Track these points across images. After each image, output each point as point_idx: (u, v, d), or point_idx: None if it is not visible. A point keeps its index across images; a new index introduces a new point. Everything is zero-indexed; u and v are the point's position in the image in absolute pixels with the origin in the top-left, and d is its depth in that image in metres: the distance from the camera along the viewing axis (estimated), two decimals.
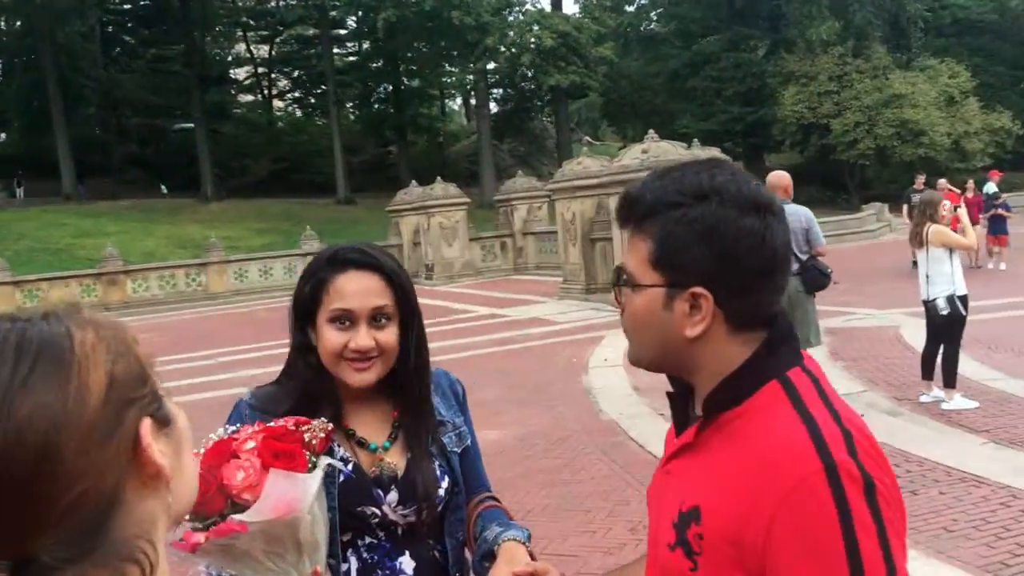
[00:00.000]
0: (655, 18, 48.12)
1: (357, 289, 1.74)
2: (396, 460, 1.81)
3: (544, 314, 16.28)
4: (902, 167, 33.95)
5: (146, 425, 0.76)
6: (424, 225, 24.73)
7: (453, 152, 48.14)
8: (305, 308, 1.80)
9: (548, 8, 39.34)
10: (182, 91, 42.61)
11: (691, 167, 1.28)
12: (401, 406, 1.86)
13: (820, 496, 1.09)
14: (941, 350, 8.05)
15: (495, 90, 44.23)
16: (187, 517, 1.42)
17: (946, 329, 7.98)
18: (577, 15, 40.27)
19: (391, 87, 45.73)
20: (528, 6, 38.50)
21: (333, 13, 42.16)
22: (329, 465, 1.63)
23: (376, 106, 47.41)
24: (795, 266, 7.55)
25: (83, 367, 0.73)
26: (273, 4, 49.20)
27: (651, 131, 16.41)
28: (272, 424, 1.61)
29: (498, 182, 37.74)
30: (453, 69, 43.64)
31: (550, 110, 44.90)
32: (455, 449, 1.92)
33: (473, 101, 48.80)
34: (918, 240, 8.11)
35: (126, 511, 0.74)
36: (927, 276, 7.97)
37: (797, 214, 7.65)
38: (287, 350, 1.89)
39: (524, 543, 1.79)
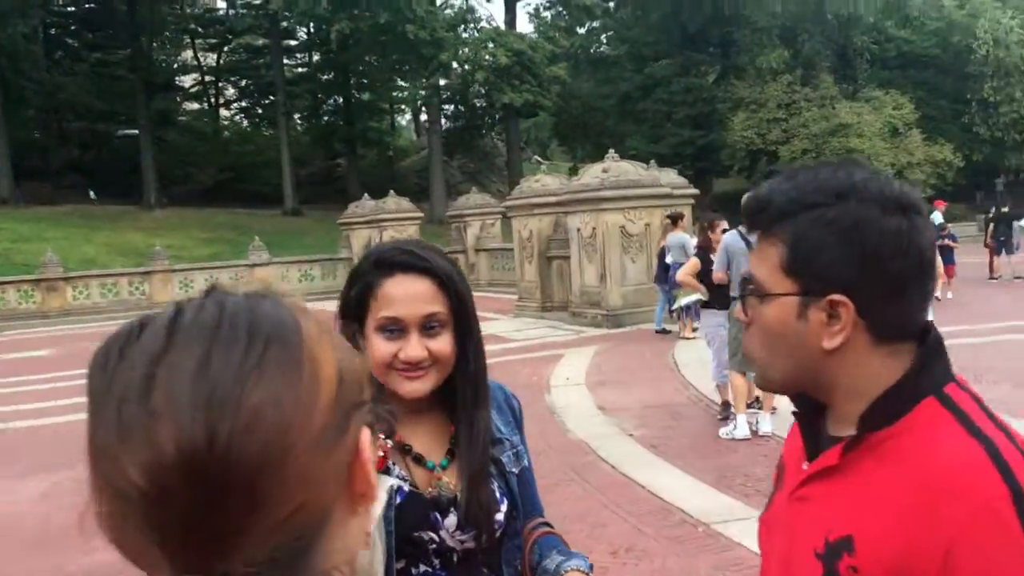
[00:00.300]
0: (605, 41, 48.60)
1: (406, 295, 1.58)
2: (454, 480, 1.64)
3: (500, 331, 16.12)
4: None
5: (366, 436, 0.66)
6: (376, 239, 24.43)
7: (403, 167, 47.89)
8: (352, 314, 1.64)
9: (503, 26, 39.43)
10: (127, 96, 41.72)
11: (824, 167, 1.17)
12: (458, 420, 1.70)
13: (1008, 524, 0.98)
14: None
15: (447, 106, 44.12)
16: None
17: None
18: (531, 34, 40.44)
19: (342, 99, 45.38)
20: (484, 23, 38.60)
21: (284, 24, 41.74)
22: (391, 486, 1.46)
23: (326, 118, 47.00)
24: None
25: (314, 359, 0.62)
26: (222, 12, 48.57)
27: (611, 151, 16.45)
28: None
29: (447, 198, 37.61)
30: (404, 84, 43.50)
31: (501, 128, 44.93)
32: (513, 469, 1.76)
33: (424, 116, 48.65)
34: None
35: (331, 534, 0.64)
36: None
37: None
38: None
39: (587, 574, 1.65)
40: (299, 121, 48.91)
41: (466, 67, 36.78)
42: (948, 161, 34.52)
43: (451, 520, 1.62)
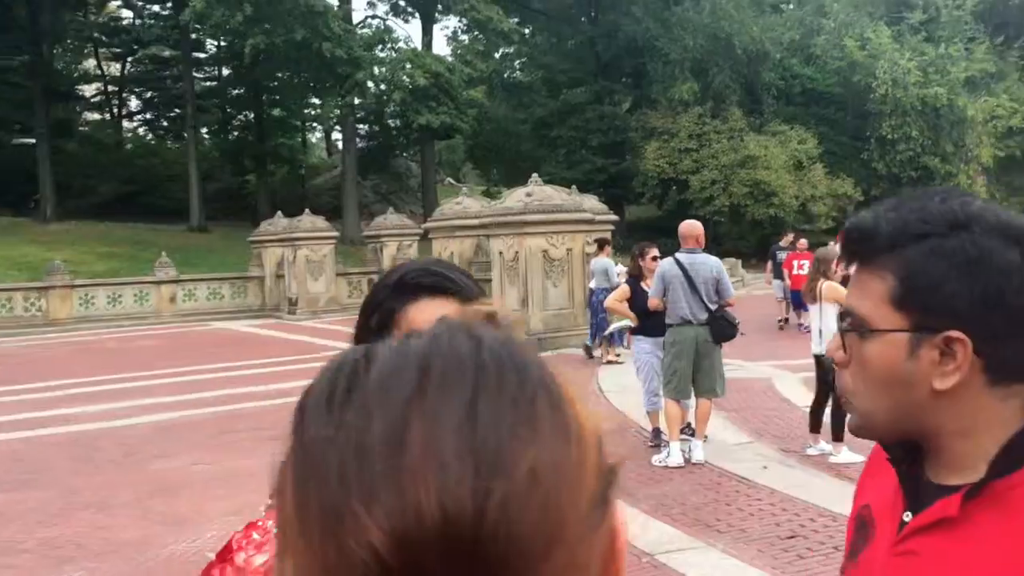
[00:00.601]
0: (519, 67, 49.05)
1: (432, 321, 1.44)
2: None
3: None
4: (752, 225, 35.63)
5: (622, 517, 0.52)
6: (289, 257, 23.92)
7: (314, 185, 47.16)
8: None
9: (420, 48, 39.36)
10: (23, 104, 39.99)
11: (928, 194, 1.09)
12: None
13: None
14: (829, 403, 8.26)
15: (361, 126, 43.70)
16: None
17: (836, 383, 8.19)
18: (449, 57, 40.49)
19: (252, 115, 44.46)
20: (401, 44, 38.42)
21: (195, 35, 40.74)
22: None
23: (235, 133, 45.97)
24: (704, 316, 7.57)
25: (575, 418, 0.49)
26: (128, 22, 47.14)
27: (535, 175, 16.49)
28: None
29: (361, 219, 37.15)
30: (318, 101, 42.87)
31: (416, 149, 44.72)
32: None
33: (337, 136, 48.03)
34: (812, 295, 8.30)
35: None
36: (820, 331, 8.15)
37: (708, 264, 7.71)
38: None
39: None
40: (207, 135, 47.73)
41: (383, 87, 36.52)
42: (849, 195, 35.83)
43: None
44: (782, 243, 18.77)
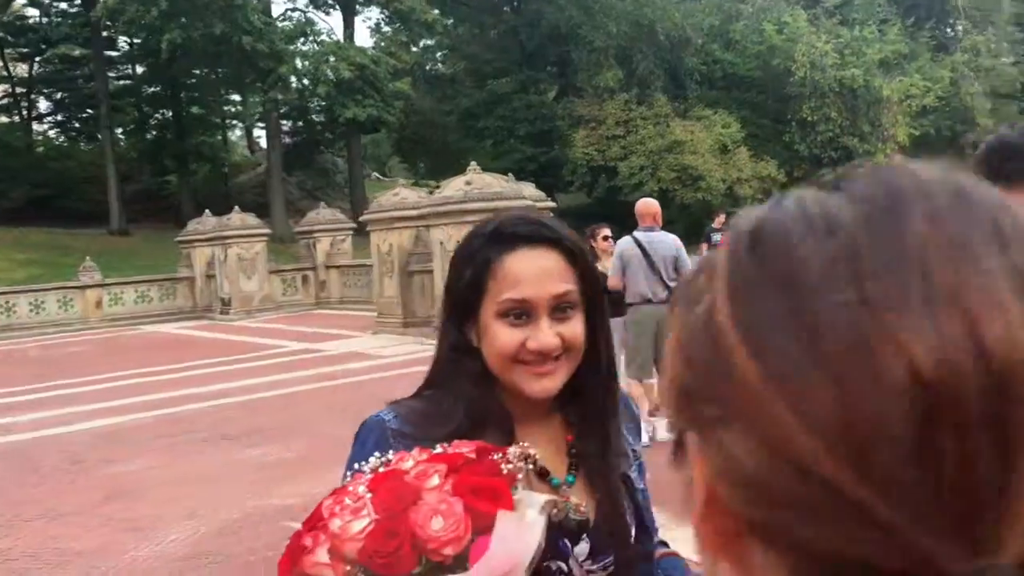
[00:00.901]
0: (440, 58, 48.75)
1: (534, 272, 1.33)
2: (583, 500, 1.39)
3: (363, 348, 15.69)
4: (681, 209, 36.03)
5: None
6: (220, 256, 23.33)
7: (238, 183, 46.17)
8: (463, 299, 1.38)
9: (342, 40, 38.76)
10: None
11: None
12: (580, 427, 1.44)
13: None
14: None
15: (285, 122, 42.89)
16: None
17: None
18: (373, 49, 39.95)
19: (171, 113, 43.28)
20: (324, 36, 37.82)
21: (107, 33, 39.43)
22: (550, 504, 1.21)
23: (153, 133, 44.69)
24: (664, 294, 7.57)
25: None
26: (35, 20, 45.38)
27: (473, 163, 16.35)
28: (443, 451, 1.19)
29: (288, 216, 36.51)
30: (237, 97, 41.96)
31: (342, 144, 44.10)
32: (640, 485, 1.53)
33: (259, 132, 47.12)
34: None
35: None
36: None
37: (666, 241, 7.71)
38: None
39: None
40: (123, 136, 46.29)
41: (306, 81, 35.90)
42: (773, 177, 36.52)
43: (582, 548, 1.37)
44: (715, 224, 19.03)
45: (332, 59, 34.26)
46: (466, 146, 40.77)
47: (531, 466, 1.36)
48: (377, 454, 1.21)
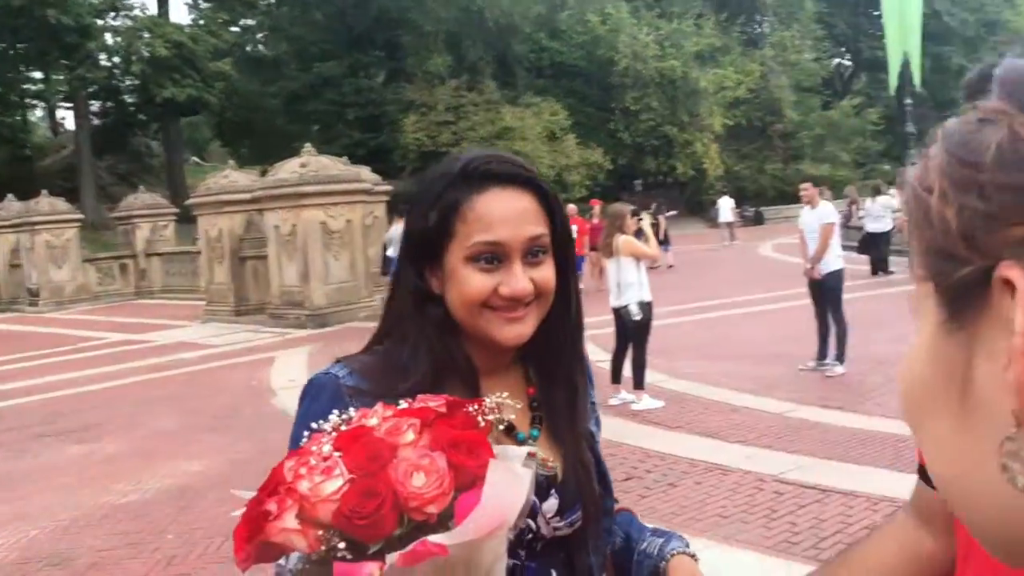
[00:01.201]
0: (262, 39, 47.15)
1: (507, 213, 1.23)
2: (547, 455, 1.31)
3: (192, 338, 14.98)
4: None
5: None
6: (27, 244, 21.64)
7: (42, 167, 42.94)
8: (426, 243, 1.26)
9: (156, 14, 36.71)
10: None
11: None
12: (550, 379, 1.36)
13: None
14: (629, 354, 8.55)
15: (93, 102, 40.18)
16: (339, 544, 0.90)
17: (636, 333, 8.48)
18: (190, 26, 38.00)
19: None
20: (137, 11, 35.64)
21: None
22: (532, 457, 1.12)
23: None
24: None
25: None
26: None
27: (308, 144, 15.89)
28: (409, 406, 1.07)
29: (100, 202, 34.35)
30: (39, 75, 38.92)
31: (157, 127, 41.84)
32: (599, 439, 1.47)
33: (63, 113, 44.00)
34: (608, 250, 8.51)
35: None
36: (618, 284, 8.39)
37: None
38: None
39: (694, 557, 1.41)
40: None
41: (117, 59, 33.80)
42: (599, 164, 37.52)
43: (550, 504, 1.29)
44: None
45: (147, 35, 32.41)
46: (293, 130, 39.56)
47: (512, 416, 1.26)
48: (336, 412, 1.07)
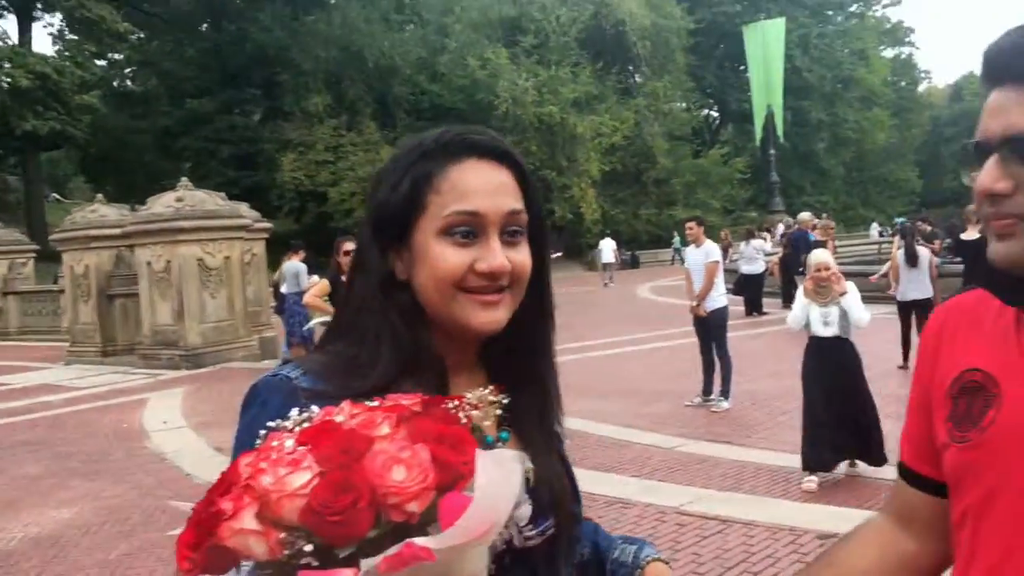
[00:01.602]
0: (130, 74, 45.73)
1: (486, 185, 1.13)
2: None
3: (55, 380, 14.14)
4: None
5: None
6: None
7: None
8: (393, 218, 1.15)
9: (17, 43, 35.06)
10: None
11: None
12: (512, 377, 1.23)
13: None
14: None
15: None
16: (306, 548, 0.78)
17: None
18: (54, 57, 36.42)
19: None
20: None
21: None
22: (521, 456, 1.03)
23: None
24: None
25: None
26: None
27: (184, 179, 15.34)
28: (379, 404, 0.97)
29: None
30: None
31: (15, 161, 39.76)
32: (566, 440, 1.39)
33: None
34: None
35: None
36: None
37: None
38: None
39: (668, 563, 1.35)
40: None
41: None
42: None
43: (523, 512, 1.20)
44: None
45: (8, 65, 30.88)
46: (163, 167, 38.35)
47: (499, 412, 1.15)
48: (297, 410, 0.95)
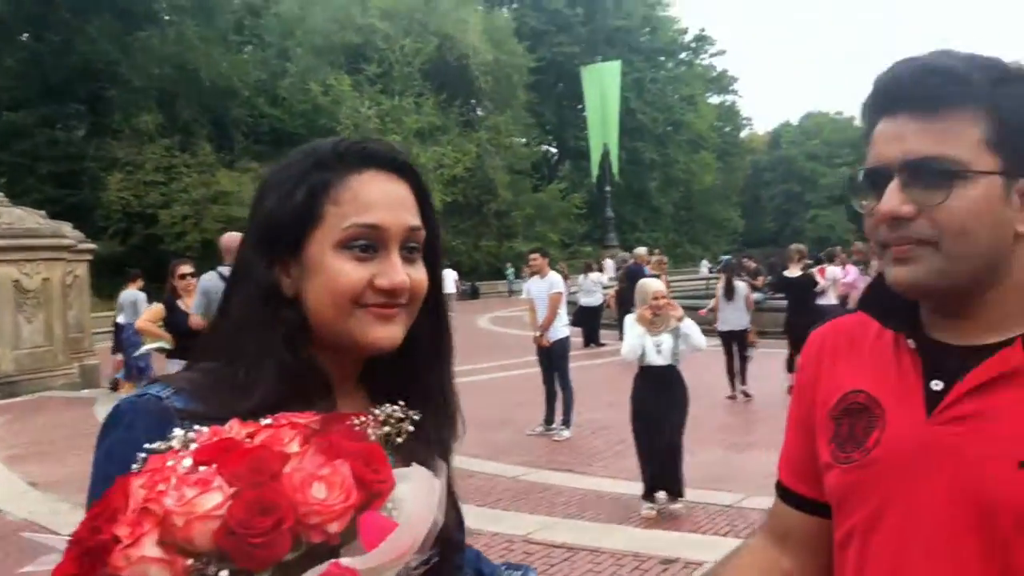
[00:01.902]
0: None
1: (387, 198, 1.09)
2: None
3: None
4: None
5: None
6: None
7: None
8: (284, 229, 1.09)
9: None
10: None
11: (966, 54, 1.09)
12: (402, 398, 1.23)
13: None
14: None
15: None
16: (218, 574, 0.74)
17: None
18: None
19: None
20: None
21: None
22: (441, 471, 1.01)
23: None
24: None
25: None
26: None
27: (0, 194, 14.30)
28: (273, 422, 0.93)
29: None
30: None
31: None
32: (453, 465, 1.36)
33: None
34: None
35: None
36: None
37: None
38: None
39: None
40: None
41: None
42: None
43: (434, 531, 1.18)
44: None
45: None
46: None
47: (411, 428, 1.11)
48: (178, 431, 0.89)
